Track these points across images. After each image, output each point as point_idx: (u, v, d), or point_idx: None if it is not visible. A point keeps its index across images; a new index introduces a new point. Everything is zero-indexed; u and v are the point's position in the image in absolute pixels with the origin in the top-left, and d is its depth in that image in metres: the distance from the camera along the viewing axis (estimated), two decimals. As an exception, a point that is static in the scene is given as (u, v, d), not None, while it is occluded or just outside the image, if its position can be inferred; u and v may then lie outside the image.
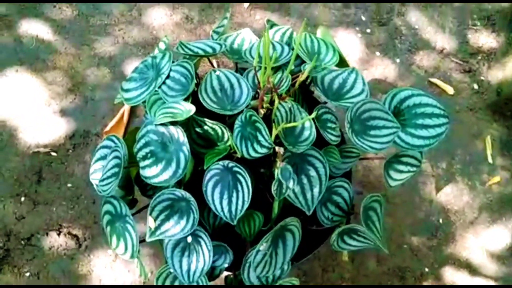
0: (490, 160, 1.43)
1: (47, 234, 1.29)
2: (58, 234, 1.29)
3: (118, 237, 0.85)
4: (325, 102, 0.99)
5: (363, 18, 1.61)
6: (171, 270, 0.82)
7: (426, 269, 1.30)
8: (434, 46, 1.58)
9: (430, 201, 1.38)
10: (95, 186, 0.86)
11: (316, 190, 0.80)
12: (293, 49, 0.93)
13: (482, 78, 1.54)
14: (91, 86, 1.47)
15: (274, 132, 0.72)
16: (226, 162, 0.75)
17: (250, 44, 0.97)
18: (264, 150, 0.73)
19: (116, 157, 0.82)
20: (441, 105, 0.88)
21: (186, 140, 0.75)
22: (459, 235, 1.34)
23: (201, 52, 0.91)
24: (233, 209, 0.74)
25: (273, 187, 0.72)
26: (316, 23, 1.59)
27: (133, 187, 0.93)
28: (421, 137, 0.87)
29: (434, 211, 1.37)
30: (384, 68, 1.54)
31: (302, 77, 0.76)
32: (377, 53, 1.56)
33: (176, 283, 0.87)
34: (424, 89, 1.50)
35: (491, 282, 1.30)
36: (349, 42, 1.57)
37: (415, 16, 1.62)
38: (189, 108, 0.77)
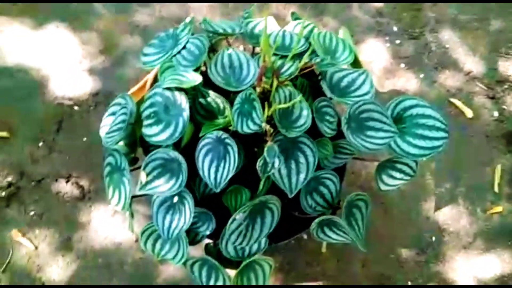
0: (496, 189, 1.42)
1: (56, 180, 1.38)
2: (66, 182, 1.37)
3: (114, 188, 0.91)
4: (331, 98, 1.02)
5: (395, 29, 1.62)
6: (155, 227, 0.87)
7: (409, 283, 1.31)
8: (462, 68, 1.57)
9: (427, 218, 1.38)
10: (102, 138, 0.92)
11: (302, 176, 0.83)
12: (310, 43, 0.97)
13: (504, 107, 1.52)
14: (122, 51, 1.55)
15: (267, 111, 0.76)
16: (220, 133, 0.79)
17: (270, 32, 1.01)
18: (255, 127, 0.77)
19: (124, 113, 0.88)
20: (444, 120, 0.89)
21: (187, 106, 0.80)
22: (449, 256, 1.34)
23: (220, 31, 0.95)
24: (218, 176, 0.78)
25: (258, 164, 0.76)
26: (348, 26, 1.61)
27: (136, 146, 0.99)
28: (417, 146, 0.89)
29: (429, 228, 1.37)
30: (406, 81, 1.54)
31: (301, 64, 0.80)
32: (402, 65, 1.57)
33: (159, 241, 0.93)
34: (442, 107, 1.50)
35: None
36: (377, 50, 1.59)
37: (448, 35, 1.62)
38: (196, 78, 0.82)
